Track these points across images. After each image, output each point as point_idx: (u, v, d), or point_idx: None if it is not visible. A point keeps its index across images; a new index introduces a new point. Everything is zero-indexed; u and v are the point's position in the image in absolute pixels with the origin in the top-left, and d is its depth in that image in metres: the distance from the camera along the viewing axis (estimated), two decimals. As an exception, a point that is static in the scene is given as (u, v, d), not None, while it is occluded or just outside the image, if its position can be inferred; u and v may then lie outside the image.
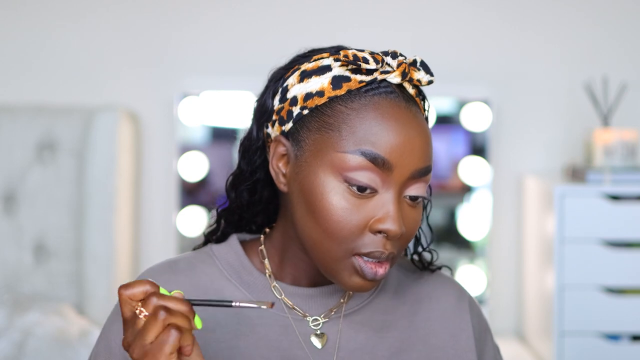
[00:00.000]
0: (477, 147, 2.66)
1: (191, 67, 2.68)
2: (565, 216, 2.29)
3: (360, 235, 1.05)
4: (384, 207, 1.05)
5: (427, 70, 1.10)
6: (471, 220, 2.67)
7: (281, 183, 1.11)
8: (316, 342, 1.13)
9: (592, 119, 2.61)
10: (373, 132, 1.05)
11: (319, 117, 1.08)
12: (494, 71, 2.69)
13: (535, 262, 2.51)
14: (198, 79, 2.66)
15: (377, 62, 1.07)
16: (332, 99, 1.08)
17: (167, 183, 2.67)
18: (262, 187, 1.17)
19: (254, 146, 1.15)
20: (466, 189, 2.67)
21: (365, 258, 1.06)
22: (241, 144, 1.17)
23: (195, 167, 2.64)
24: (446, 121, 2.68)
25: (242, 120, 2.61)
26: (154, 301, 0.96)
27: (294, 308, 1.14)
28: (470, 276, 2.66)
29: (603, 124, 2.52)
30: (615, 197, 2.31)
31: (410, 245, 1.21)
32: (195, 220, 2.64)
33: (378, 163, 1.04)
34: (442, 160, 2.67)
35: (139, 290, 0.96)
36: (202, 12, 2.68)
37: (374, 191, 1.05)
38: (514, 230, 2.70)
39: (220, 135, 2.66)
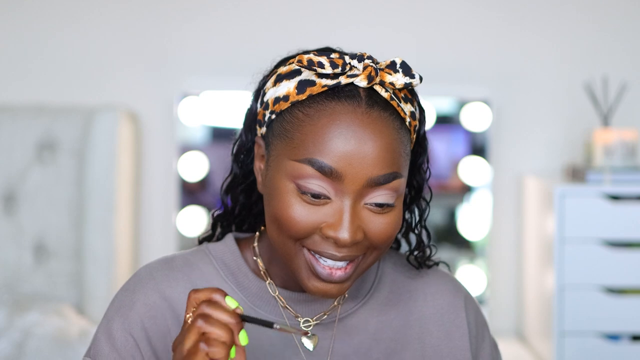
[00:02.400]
0: (477, 147, 2.66)
1: (191, 67, 2.67)
2: (565, 216, 2.29)
3: (312, 235, 1.04)
4: (336, 214, 1.03)
5: (407, 72, 1.05)
6: (471, 220, 2.67)
7: (260, 184, 1.11)
8: (307, 344, 1.11)
9: (592, 119, 2.61)
10: (323, 140, 1.02)
11: (281, 122, 1.07)
12: (494, 71, 2.69)
13: (535, 262, 2.51)
14: (198, 79, 2.66)
15: (334, 66, 1.04)
16: (293, 104, 1.06)
17: (167, 183, 2.67)
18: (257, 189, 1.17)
19: (244, 148, 1.16)
20: (466, 189, 2.67)
21: (316, 256, 1.04)
22: (233, 148, 1.18)
23: (195, 167, 2.64)
24: (446, 121, 2.68)
25: (241, 120, 2.60)
26: (201, 308, 0.94)
27: (286, 307, 1.13)
28: (470, 276, 2.66)
29: (603, 124, 2.52)
30: (615, 197, 2.31)
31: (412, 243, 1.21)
32: (195, 220, 2.64)
33: (326, 172, 1.02)
34: (442, 160, 2.67)
35: (202, 295, 0.96)
36: (202, 12, 2.68)
37: (327, 198, 1.03)
38: (514, 230, 2.70)
39: (220, 135, 2.66)
